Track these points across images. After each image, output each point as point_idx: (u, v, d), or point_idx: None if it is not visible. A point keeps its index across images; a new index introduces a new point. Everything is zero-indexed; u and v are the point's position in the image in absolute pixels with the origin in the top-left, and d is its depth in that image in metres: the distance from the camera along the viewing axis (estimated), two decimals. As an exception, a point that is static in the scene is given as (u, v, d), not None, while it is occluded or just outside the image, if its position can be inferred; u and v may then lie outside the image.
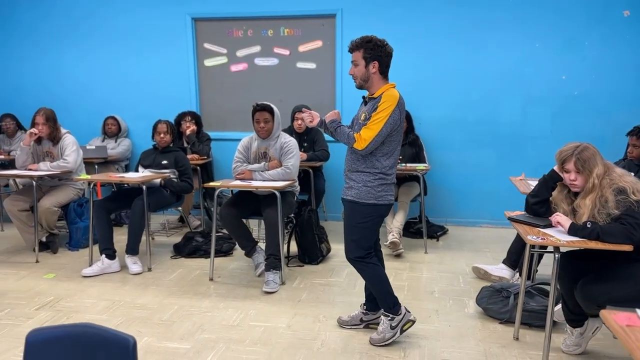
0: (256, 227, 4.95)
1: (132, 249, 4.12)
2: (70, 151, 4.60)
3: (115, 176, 4.18)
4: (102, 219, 4.14)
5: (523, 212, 2.88)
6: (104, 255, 4.05)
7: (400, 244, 4.38)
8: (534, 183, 3.80)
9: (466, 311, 3.33)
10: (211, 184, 3.82)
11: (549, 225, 2.61)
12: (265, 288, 3.64)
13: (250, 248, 4.00)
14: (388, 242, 4.36)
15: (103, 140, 5.82)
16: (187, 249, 4.48)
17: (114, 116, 5.82)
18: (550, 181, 2.76)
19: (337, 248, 4.50)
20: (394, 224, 4.53)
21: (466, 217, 5.46)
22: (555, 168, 2.75)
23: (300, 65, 5.56)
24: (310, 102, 5.01)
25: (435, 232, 5.04)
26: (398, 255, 4.41)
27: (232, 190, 4.17)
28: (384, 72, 2.75)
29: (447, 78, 5.28)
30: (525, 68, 5.13)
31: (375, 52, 2.70)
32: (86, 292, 3.66)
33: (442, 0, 5.18)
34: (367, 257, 2.82)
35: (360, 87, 2.82)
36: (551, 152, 5.16)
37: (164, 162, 4.51)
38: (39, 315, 3.26)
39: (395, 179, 2.87)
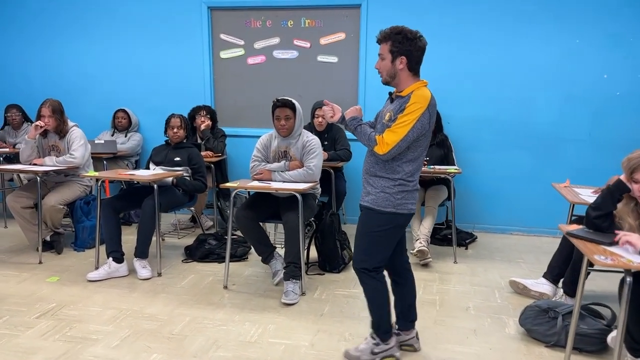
0: (272, 230, 4.66)
1: (142, 252, 3.84)
2: (78, 145, 4.32)
3: (125, 174, 3.90)
4: (110, 219, 3.86)
5: (581, 227, 2.55)
6: (111, 259, 3.77)
7: (429, 253, 4.06)
8: (581, 191, 3.50)
9: (507, 331, 3.01)
10: (227, 184, 3.53)
11: (615, 243, 2.29)
12: (284, 299, 3.35)
13: (267, 254, 3.71)
14: (415, 250, 4.05)
15: (112, 135, 5.54)
16: (199, 252, 4.20)
17: (124, 109, 5.55)
18: (617, 192, 2.43)
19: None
20: (421, 231, 4.22)
21: (495, 224, 5.13)
22: (623, 177, 2.42)
23: (321, 58, 5.25)
24: (331, 98, 4.59)
25: (464, 239, 4.72)
26: (425, 265, 4.10)
27: (248, 191, 3.88)
28: (413, 68, 2.40)
29: (478, 74, 4.94)
30: (563, 65, 4.78)
31: (403, 46, 2.35)
32: (91, 298, 3.39)
33: (475, -9, 4.85)
34: (374, 271, 2.49)
35: (386, 83, 2.48)
36: (590, 155, 4.90)
37: (177, 159, 4.23)
38: (40, 325, 2.98)
39: (419, 185, 2.54)
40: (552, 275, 3.51)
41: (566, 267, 3.47)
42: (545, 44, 4.79)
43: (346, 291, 3.58)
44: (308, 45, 5.25)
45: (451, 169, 4.28)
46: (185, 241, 4.58)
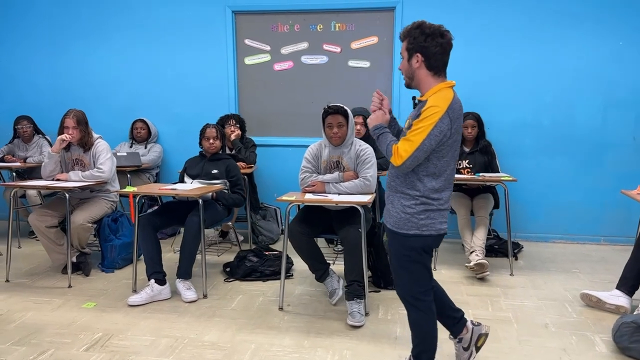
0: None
1: (185, 272, 3.56)
2: (105, 159, 4.03)
3: (167, 188, 3.62)
4: (150, 238, 3.58)
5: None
6: (153, 280, 3.49)
7: (488, 266, 3.86)
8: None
9: (598, 350, 2.81)
10: (284, 198, 3.28)
11: None
12: (350, 321, 3.10)
13: (322, 271, 3.47)
14: (473, 264, 3.85)
15: (131, 146, 5.25)
16: (241, 270, 3.93)
17: (143, 119, 5.25)
18: None
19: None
20: (474, 242, 4.02)
21: (537, 232, 4.96)
22: None
23: (352, 63, 5.04)
24: (363, 105, 4.49)
25: (512, 249, 4.53)
26: (482, 279, 3.90)
27: (298, 205, 3.63)
28: (433, 67, 2.12)
29: (518, 77, 4.79)
30: (606, 68, 4.65)
31: (418, 42, 2.10)
32: (138, 325, 3.10)
33: (514, -9, 4.71)
34: (418, 300, 2.23)
35: (407, 86, 2.26)
36: (634, 160, 4.77)
37: (214, 171, 3.97)
38: (92, 359, 2.69)
39: (450, 206, 2.28)
40: (627, 286, 3.33)
41: (642, 278, 3.32)
42: (586, 47, 4.66)
43: (411, 309, 3.35)
44: (338, 50, 5.04)
45: (505, 176, 4.09)
46: (223, 259, 4.30)
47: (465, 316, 2.49)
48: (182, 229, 4.50)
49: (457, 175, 4.28)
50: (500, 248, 4.52)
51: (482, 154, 4.50)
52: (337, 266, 3.83)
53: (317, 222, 3.48)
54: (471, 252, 3.97)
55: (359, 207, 3.21)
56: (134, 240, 3.71)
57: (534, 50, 4.73)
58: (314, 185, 3.46)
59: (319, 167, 3.56)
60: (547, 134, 4.83)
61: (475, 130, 4.48)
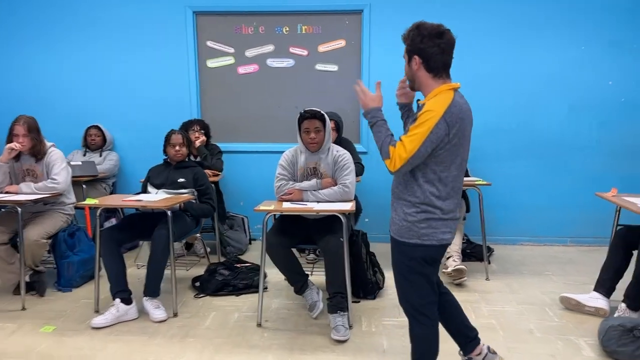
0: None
1: (154, 289, 3.32)
2: (60, 169, 3.73)
3: (131, 199, 3.37)
4: (113, 254, 3.31)
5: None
6: (118, 300, 3.22)
7: (466, 271, 3.82)
8: (633, 200, 3.37)
9: (585, 354, 2.80)
10: (262, 207, 3.10)
11: None
12: (335, 335, 2.96)
13: (302, 284, 3.32)
14: (451, 270, 3.80)
15: (84, 154, 4.91)
16: (212, 285, 3.72)
17: (97, 125, 4.93)
18: None
19: (389, 276, 3.90)
20: (451, 247, 3.96)
21: (504, 235, 4.98)
22: None
23: (320, 67, 4.92)
24: (331, 110, 4.36)
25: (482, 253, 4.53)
26: (459, 284, 3.85)
27: (274, 215, 3.46)
28: (433, 69, 2.03)
29: (484, 82, 4.81)
30: (569, 73, 4.74)
31: (415, 43, 2.03)
32: (106, 350, 2.84)
33: (479, -4, 4.73)
34: (420, 313, 2.12)
35: (411, 89, 2.18)
36: (597, 163, 4.87)
37: (181, 180, 3.74)
38: (56, 392, 2.44)
39: (456, 215, 2.10)
40: (604, 288, 3.36)
41: (618, 279, 3.36)
42: (550, 52, 4.73)
43: (394, 320, 3.25)
44: (305, 53, 4.91)
45: (479, 180, 4.07)
46: (191, 273, 4.07)
47: (479, 336, 2.40)
48: (143, 242, 4.26)
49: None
50: (472, 252, 4.51)
51: (453, 158, 4.47)
52: (314, 277, 3.68)
53: (294, 232, 3.33)
54: (448, 258, 3.92)
55: (340, 216, 3.09)
56: (94, 256, 3.44)
57: (498, 56, 4.76)
58: (291, 194, 3.31)
59: (295, 174, 3.42)
60: (511, 138, 4.87)
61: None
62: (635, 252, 3.32)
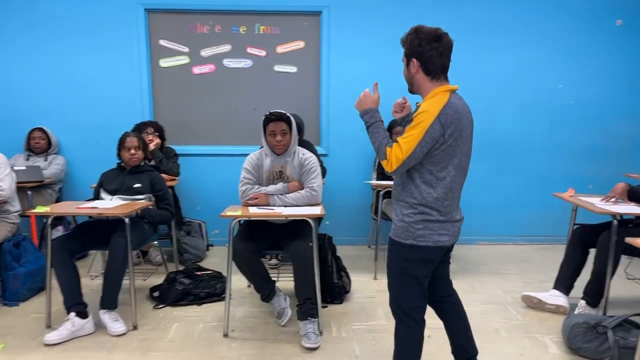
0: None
1: (112, 301, 3.12)
2: (3, 175, 3.46)
3: (86, 207, 3.15)
4: (66, 265, 3.09)
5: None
6: (73, 313, 3.01)
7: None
8: (590, 199, 3.49)
9: (551, 352, 2.86)
10: (228, 213, 2.98)
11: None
12: (306, 343, 2.88)
13: (269, 291, 3.23)
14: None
15: (27, 159, 4.60)
16: (172, 294, 3.55)
17: (41, 128, 4.62)
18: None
19: (354, 279, 3.87)
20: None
21: (460, 235, 5.05)
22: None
23: (278, 68, 4.83)
24: (291, 111, 4.27)
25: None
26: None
27: (239, 221, 3.34)
28: (431, 71, 2.04)
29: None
30: (521, 75, 4.88)
31: (413, 47, 2.05)
32: (62, 370, 2.65)
33: (437, -1, 4.78)
34: (408, 317, 2.12)
35: (410, 92, 2.18)
36: (548, 163, 5.04)
37: (137, 185, 3.56)
38: (10, 418, 2.23)
39: (454, 217, 2.10)
40: (563, 285, 3.46)
41: (576, 277, 3.47)
42: (505, 55, 4.85)
43: (364, 324, 3.21)
44: (264, 53, 4.80)
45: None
46: (149, 282, 3.88)
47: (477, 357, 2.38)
48: (96, 252, 4.03)
49: (387, 182, 4.22)
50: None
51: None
52: (279, 283, 3.59)
53: (261, 238, 3.23)
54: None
55: (310, 220, 3.02)
56: (42, 267, 3.22)
57: (457, 57, 4.82)
58: (257, 198, 3.20)
59: (260, 178, 3.32)
60: (470, 140, 4.95)
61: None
62: (591, 250, 3.44)
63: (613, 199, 3.31)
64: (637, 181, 4.25)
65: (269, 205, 3.19)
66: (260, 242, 3.20)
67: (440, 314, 2.37)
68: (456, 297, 2.41)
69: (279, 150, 3.25)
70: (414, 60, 2.04)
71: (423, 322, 2.15)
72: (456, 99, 2.02)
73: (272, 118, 3.23)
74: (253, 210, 3.08)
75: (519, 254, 4.82)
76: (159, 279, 3.79)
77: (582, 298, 3.30)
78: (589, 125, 4.95)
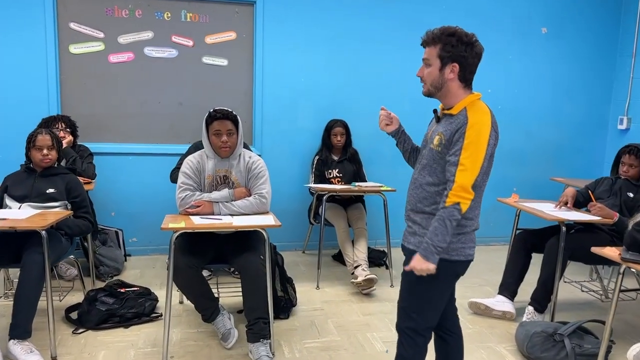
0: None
1: (24, 329, 2.63)
2: None
3: (-9, 219, 2.61)
4: (-36, 289, 2.56)
5: (619, 249, 2.48)
6: (-27, 350, 2.49)
7: (377, 281, 3.70)
8: (534, 205, 3.52)
9: (509, 362, 2.84)
10: (170, 225, 2.59)
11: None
12: (260, 367, 2.61)
13: (213, 309, 2.91)
14: (361, 280, 3.66)
15: None
16: (93, 316, 3.08)
17: None
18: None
19: (300, 290, 3.62)
20: (357, 256, 3.85)
21: (395, 238, 4.99)
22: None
23: (207, 60, 4.43)
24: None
25: (379, 258, 4.49)
26: (368, 294, 3.73)
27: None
28: (466, 78, 1.95)
29: (378, 85, 4.76)
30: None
31: (457, 51, 1.90)
32: (-36, 423, 2.15)
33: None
34: (421, 335, 1.99)
35: (428, 95, 2.03)
36: (493, 167, 5.09)
37: (50, 190, 3.05)
38: None
39: (477, 226, 2.01)
40: (508, 291, 3.48)
41: (520, 281, 3.51)
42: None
43: (316, 342, 2.99)
44: (190, 43, 4.38)
45: (383, 186, 3.99)
46: (65, 302, 3.34)
47: None
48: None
49: (332, 186, 4.07)
50: (369, 257, 4.41)
51: (351, 163, 4.38)
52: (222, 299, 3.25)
53: (204, 251, 2.90)
54: (356, 267, 3.78)
55: (262, 231, 2.74)
56: None
57: (394, 57, 4.75)
58: (199, 206, 2.85)
59: (201, 184, 2.97)
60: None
61: (343, 138, 4.32)
62: (534, 255, 3.49)
63: (568, 204, 3.39)
64: (563, 185, 4.44)
65: (213, 214, 2.86)
66: (202, 255, 2.87)
67: (438, 344, 2.20)
68: (459, 327, 2.24)
69: (224, 152, 2.93)
70: (456, 65, 1.90)
71: (428, 341, 2.05)
72: None
73: (217, 116, 2.90)
74: (198, 221, 2.73)
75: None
76: (75, 298, 3.30)
77: (530, 304, 3.32)
78: (515, 132, 5.11)
